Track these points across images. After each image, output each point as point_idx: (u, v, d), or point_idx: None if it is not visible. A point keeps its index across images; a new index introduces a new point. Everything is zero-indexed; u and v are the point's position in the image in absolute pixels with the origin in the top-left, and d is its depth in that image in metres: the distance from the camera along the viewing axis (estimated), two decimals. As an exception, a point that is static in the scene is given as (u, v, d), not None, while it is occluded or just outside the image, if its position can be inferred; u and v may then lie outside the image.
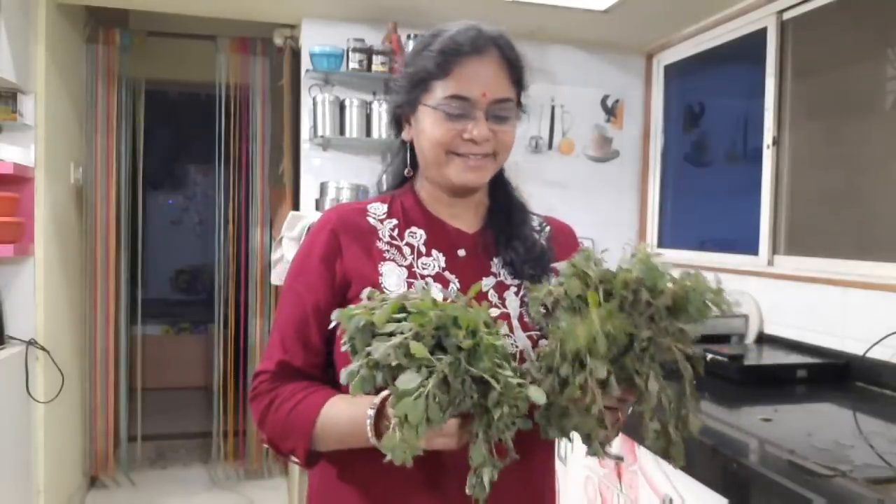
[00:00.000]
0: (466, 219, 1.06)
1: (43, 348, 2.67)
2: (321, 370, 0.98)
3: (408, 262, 0.99)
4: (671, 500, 1.57)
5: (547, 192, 3.09)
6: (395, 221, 1.02)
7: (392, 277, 0.97)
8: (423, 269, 0.99)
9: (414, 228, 1.02)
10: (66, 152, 2.98)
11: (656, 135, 3.25)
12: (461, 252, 1.02)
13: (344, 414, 0.88)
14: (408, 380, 0.72)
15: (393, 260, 0.99)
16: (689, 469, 1.49)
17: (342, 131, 2.86)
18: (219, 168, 3.53)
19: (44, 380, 2.68)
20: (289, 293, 1.00)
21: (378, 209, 1.04)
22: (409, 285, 0.96)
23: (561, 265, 0.86)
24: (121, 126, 3.36)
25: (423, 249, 1.00)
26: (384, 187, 1.13)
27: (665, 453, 0.84)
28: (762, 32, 2.54)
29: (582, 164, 3.21)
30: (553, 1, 2.58)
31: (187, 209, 6.79)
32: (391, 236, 1.01)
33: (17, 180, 2.57)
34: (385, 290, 0.94)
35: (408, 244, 1.01)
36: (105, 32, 3.26)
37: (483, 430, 0.76)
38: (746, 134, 2.74)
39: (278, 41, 3.20)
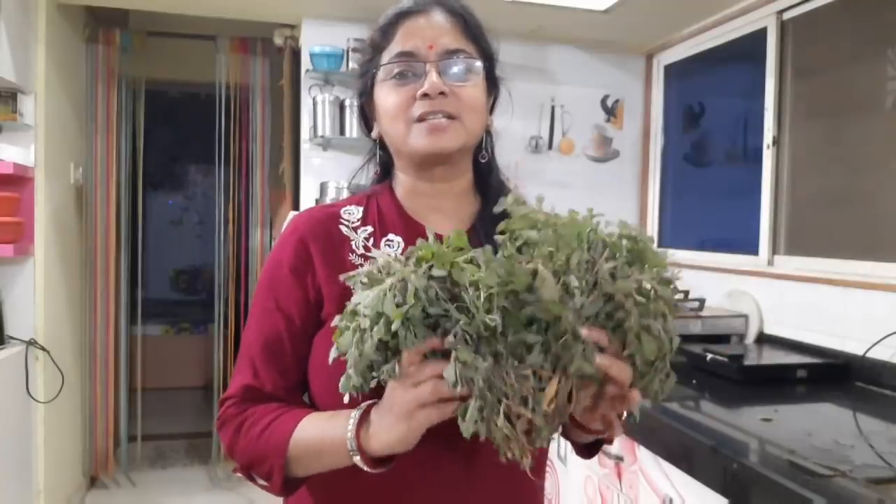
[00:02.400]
0: (450, 215, 0.96)
1: (43, 348, 2.67)
2: (293, 394, 0.89)
3: None
4: (671, 500, 1.57)
5: (547, 192, 3.05)
6: (369, 230, 0.92)
7: None
8: None
9: (391, 236, 0.92)
10: (66, 152, 2.98)
11: (656, 135, 3.25)
12: None
13: (322, 424, 0.80)
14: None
15: None
16: (689, 469, 1.49)
17: (342, 131, 2.86)
18: (219, 168, 3.53)
19: (44, 380, 2.68)
20: (257, 308, 0.91)
21: (352, 214, 0.94)
22: None
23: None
24: (121, 126, 3.36)
25: (400, 260, 0.94)
26: (357, 189, 1.04)
27: (663, 388, 0.73)
28: (762, 32, 2.54)
29: (582, 164, 3.21)
30: (553, 1, 2.58)
31: (187, 209, 6.78)
32: (365, 247, 0.91)
33: (17, 180, 2.57)
34: None
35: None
36: (105, 32, 3.26)
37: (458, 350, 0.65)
38: (746, 134, 2.74)
39: (278, 41, 3.20)
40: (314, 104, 2.86)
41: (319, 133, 2.84)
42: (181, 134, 6.23)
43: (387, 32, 0.91)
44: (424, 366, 0.68)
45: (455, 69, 0.88)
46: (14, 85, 2.49)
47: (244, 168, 3.53)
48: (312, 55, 2.84)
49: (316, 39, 2.89)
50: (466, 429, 0.66)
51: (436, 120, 0.87)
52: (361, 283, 0.72)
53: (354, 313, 0.69)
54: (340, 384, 0.71)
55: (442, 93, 0.86)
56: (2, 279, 2.62)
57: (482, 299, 0.64)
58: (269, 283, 0.90)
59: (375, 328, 0.66)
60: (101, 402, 3.29)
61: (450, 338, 0.65)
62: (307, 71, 2.89)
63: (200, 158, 6.05)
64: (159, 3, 2.93)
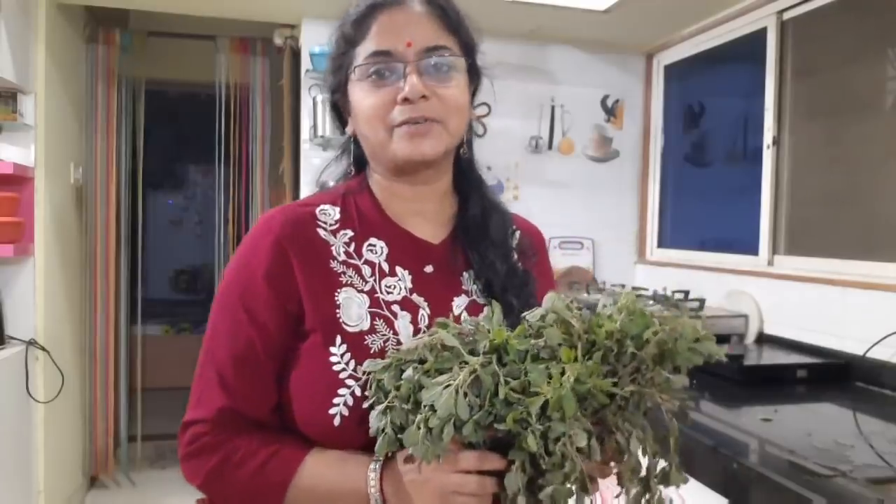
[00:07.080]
0: (432, 218, 0.91)
1: (43, 348, 2.67)
2: (273, 415, 0.81)
3: (369, 287, 0.83)
4: (671, 500, 1.57)
5: (547, 192, 3.09)
6: (350, 233, 0.86)
7: (352, 308, 0.81)
8: (388, 293, 0.83)
9: (373, 240, 0.86)
10: (66, 152, 2.98)
11: (656, 135, 3.25)
12: (428, 268, 0.87)
13: (332, 473, 0.76)
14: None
15: (351, 284, 0.82)
16: (689, 469, 1.49)
17: (342, 131, 2.85)
18: (219, 168, 3.53)
19: (44, 380, 2.68)
20: (226, 319, 0.81)
21: (329, 215, 0.87)
22: (374, 317, 0.81)
23: (539, 311, 0.73)
24: (121, 126, 3.36)
25: (385, 268, 0.85)
26: (329, 185, 0.98)
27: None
28: (762, 32, 2.54)
29: (582, 164, 3.21)
30: (553, 1, 2.58)
31: (187, 209, 6.79)
32: (347, 253, 0.84)
33: (17, 180, 2.56)
34: (345, 325, 0.80)
35: (367, 262, 0.85)
36: (105, 32, 3.26)
37: (521, 461, 0.68)
38: (746, 134, 2.74)
39: (278, 41, 3.20)
40: (314, 104, 2.86)
41: (319, 133, 2.83)
42: (181, 134, 6.22)
43: (361, 25, 0.84)
44: (473, 457, 0.68)
45: (436, 69, 0.82)
46: (14, 85, 2.49)
47: (244, 168, 3.53)
48: (312, 55, 2.84)
49: (316, 39, 2.89)
50: None
51: (418, 125, 0.81)
52: (421, 360, 0.72)
53: (416, 403, 0.69)
54: (377, 448, 0.71)
55: (423, 96, 0.80)
56: (2, 279, 2.62)
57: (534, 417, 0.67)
58: (239, 293, 0.81)
59: (446, 428, 0.66)
60: (101, 402, 3.29)
61: (514, 451, 0.68)
62: (307, 71, 2.88)
63: (200, 158, 6.04)
64: (159, 3, 2.92)
